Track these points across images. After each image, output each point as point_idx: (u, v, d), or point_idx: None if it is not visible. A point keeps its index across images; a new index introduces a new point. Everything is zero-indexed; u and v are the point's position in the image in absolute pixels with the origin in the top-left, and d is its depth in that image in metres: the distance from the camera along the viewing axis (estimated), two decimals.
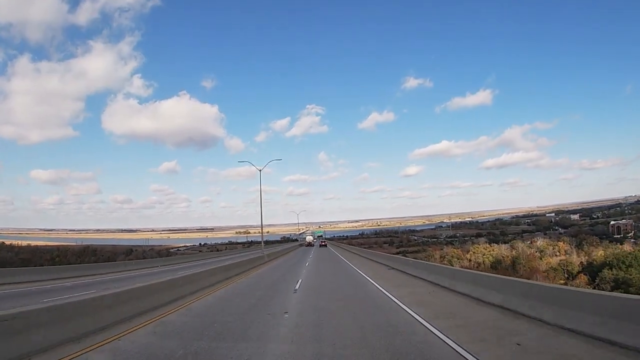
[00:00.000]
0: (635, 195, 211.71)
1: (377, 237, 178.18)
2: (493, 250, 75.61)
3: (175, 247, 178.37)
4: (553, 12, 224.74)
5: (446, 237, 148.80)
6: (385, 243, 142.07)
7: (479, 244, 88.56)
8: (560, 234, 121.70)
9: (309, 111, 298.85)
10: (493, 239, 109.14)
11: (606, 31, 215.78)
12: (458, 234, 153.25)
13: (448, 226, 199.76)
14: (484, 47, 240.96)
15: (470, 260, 74.28)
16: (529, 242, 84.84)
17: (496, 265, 62.16)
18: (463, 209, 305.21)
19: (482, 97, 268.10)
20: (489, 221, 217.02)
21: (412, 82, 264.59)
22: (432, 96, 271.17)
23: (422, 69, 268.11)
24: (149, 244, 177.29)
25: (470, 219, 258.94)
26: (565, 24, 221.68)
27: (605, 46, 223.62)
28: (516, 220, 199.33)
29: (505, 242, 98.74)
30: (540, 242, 78.82)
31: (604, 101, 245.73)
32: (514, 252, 71.21)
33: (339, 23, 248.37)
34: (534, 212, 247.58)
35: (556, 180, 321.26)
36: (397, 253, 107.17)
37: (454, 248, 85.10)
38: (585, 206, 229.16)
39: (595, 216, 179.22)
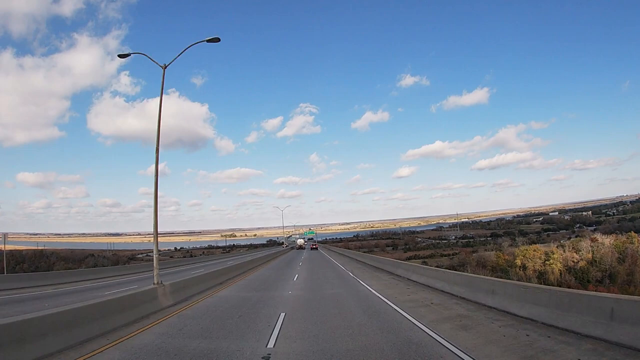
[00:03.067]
0: (627, 195, 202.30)
1: (375, 239, 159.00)
2: (553, 253, 56.97)
3: (144, 253, 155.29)
4: (554, 10, 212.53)
5: (456, 238, 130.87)
6: (387, 246, 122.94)
7: (521, 246, 70.04)
8: (594, 230, 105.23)
9: (302, 110, 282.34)
10: (523, 240, 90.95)
11: (604, 30, 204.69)
12: (469, 235, 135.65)
13: (450, 226, 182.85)
14: (483, 44, 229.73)
15: (524, 269, 55.57)
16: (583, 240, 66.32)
17: (584, 277, 43.19)
18: (454, 210, 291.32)
19: (479, 95, 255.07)
20: (491, 221, 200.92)
21: (408, 80, 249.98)
22: (428, 95, 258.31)
23: (419, 67, 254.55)
24: (114, 248, 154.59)
25: (467, 219, 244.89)
26: (565, 23, 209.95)
27: (604, 45, 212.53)
28: (525, 219, 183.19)
29: (538, 242, 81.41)
30: (603, 239, 60.42)
31: (600, 101, 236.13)
32: (588, 255, 52.76)
33: (335, 19, 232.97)
34: (533, 212, 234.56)
35: (548, 180, 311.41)
36: (408, 259, 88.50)
37: (498, 252, 66.06)
38: (578, 206, 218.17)
39: (610, 213, 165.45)
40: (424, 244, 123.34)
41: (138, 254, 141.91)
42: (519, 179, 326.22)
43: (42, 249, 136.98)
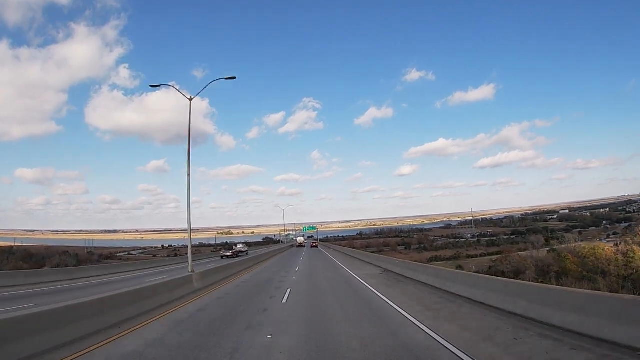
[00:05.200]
0: (629, 195, 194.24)
1: (380, 237, 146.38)
2: (634, 252, 44.73)
3: (127, 251, 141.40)
4: (563, 7, 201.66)
5: (474, 236, 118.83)
6: (398, 245, 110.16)
7: (574, 243, 57.86)
8: (628, 227, 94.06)
9: (305, 104, 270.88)
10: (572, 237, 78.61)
11: (611, 29, 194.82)
12: (487, 233, 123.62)
13: (460, 224, 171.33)
14: (490, 40, 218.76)
15: (603, 274, 43.07)
16: None
17: None
18: (453, 209, 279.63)
19: (484, 92, 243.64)
20: (502, 218, 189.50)
21: (413, 75, 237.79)
22: (433, 90, 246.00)
23: (425, 61, 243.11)
24: (92, 245, 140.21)
25: (471, 217, 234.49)
26: (573, 20, 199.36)
27: (611, 43, 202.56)
28: (542, 216, 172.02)
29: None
30: None
31: (604, 100, 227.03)
32: None
33: (340, 12, 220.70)
34: (542, 210, 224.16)
35: (549, 180, 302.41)
36: (430, 260, 76.04)
37: (557, 252, 53.33)
38: (582, 205, 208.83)
39: (631, 210, 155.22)
40: (440, 242, 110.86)
41: (119, 253, 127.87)
42: (520, 178, 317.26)
43: (11, 245, 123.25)
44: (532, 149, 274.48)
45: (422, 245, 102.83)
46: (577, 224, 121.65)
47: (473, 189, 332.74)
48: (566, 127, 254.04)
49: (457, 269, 56.62)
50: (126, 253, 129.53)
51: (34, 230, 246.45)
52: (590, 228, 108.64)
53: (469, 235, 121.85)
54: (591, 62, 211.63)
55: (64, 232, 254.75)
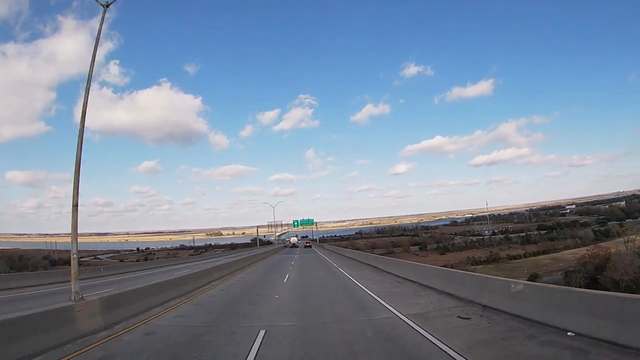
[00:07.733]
0: (624, 191, 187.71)
1: (383, 236, 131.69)
2: None
3: (94, 255, 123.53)
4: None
5: (493, 233, 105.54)
6: (412, 245, 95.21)
7: None
8: None
9: (301, 101, 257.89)
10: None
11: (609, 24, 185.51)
12: (509, 229, 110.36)
13: (468, 221, 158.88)
14: (490, 33, 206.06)
15: None
16: None
17: None
18: (448, 207, 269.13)
19: (483, 87, 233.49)
20: (511, 214, 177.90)
21: (412, 70, 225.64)
22: (431, 86, 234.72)
23: (424, 56, 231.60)
24: (56, 248, 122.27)
25: (470, 214, 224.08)
26: (574, 12, 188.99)
27: (613, 36, 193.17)
28: (555, 210, 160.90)
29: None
30: None
31: (601, 95, 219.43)
32: None
33: (337, 6, 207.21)
34: (546, 206, 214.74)
35: (544, 177, 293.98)
36: (471, 264, 61.72)
37: None
38: (581, 201, 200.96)
39: None
40: (459, 241, 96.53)
41: (84, 257, 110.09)
42: (515, 176, 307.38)
43: None
44: (528, 146, 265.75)
45: (442, 245, 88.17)
46: (607, 217, 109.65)
47: (467, 188, 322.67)
48: (563, 124, 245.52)
49: (529, 279, 41.59)
50: (92, 257, 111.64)
51: (24, 234, 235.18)
52: (627, 220, 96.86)
53: (486, 232, 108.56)
54: (589, 57, 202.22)
55: (52, 235, 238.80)
